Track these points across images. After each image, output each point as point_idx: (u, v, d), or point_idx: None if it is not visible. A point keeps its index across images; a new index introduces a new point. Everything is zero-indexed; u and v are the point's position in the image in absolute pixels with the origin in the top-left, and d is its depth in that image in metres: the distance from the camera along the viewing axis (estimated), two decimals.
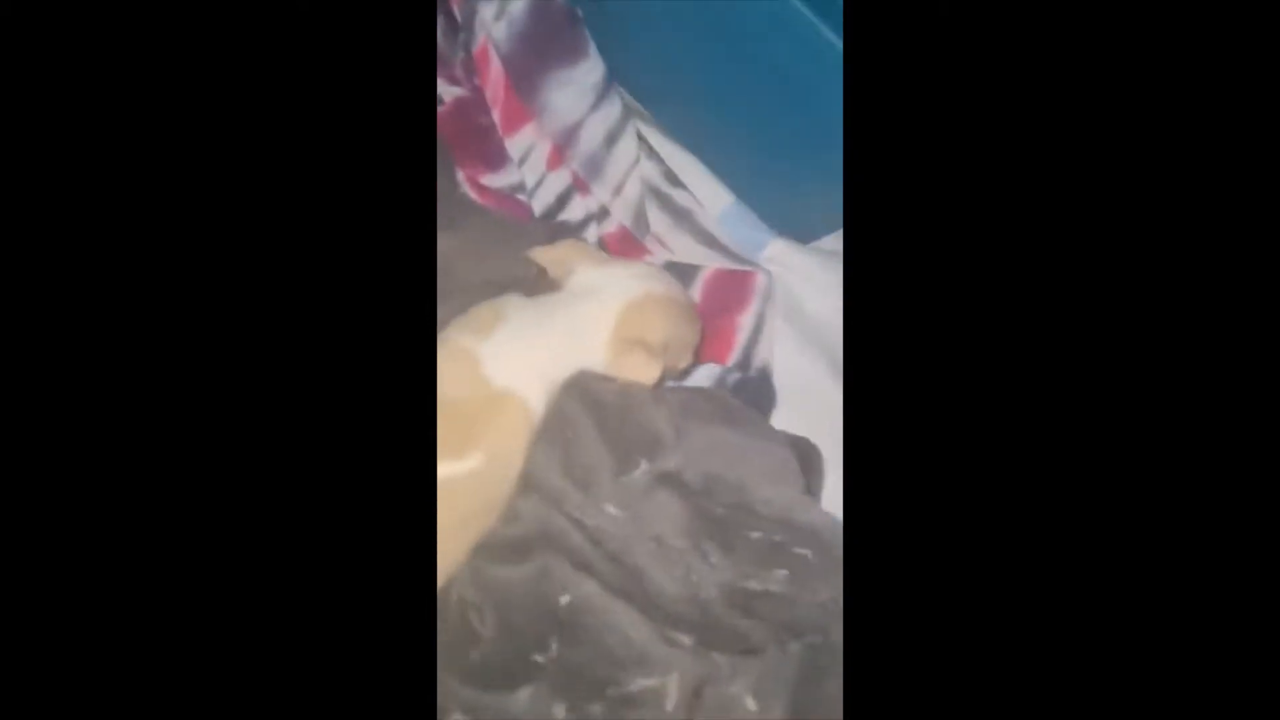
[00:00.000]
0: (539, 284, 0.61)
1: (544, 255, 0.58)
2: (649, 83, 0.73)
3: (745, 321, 0.70)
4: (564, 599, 0.43)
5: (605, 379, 0.50)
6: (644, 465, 0.47)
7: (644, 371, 0.51)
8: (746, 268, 0.71)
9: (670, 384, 0.60)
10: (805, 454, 0.49)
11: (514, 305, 0.55)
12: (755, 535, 0.45)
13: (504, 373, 0.51)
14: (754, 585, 0.44)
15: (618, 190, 0.72)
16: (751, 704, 0.40)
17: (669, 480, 0.47)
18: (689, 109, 0.72)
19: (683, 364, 0.60)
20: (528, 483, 0.47)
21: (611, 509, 0.46)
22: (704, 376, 0.66)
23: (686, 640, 0.43)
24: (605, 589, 0.44)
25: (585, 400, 0.49)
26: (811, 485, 0.48)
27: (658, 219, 0.73)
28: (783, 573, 0.44)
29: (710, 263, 0.71)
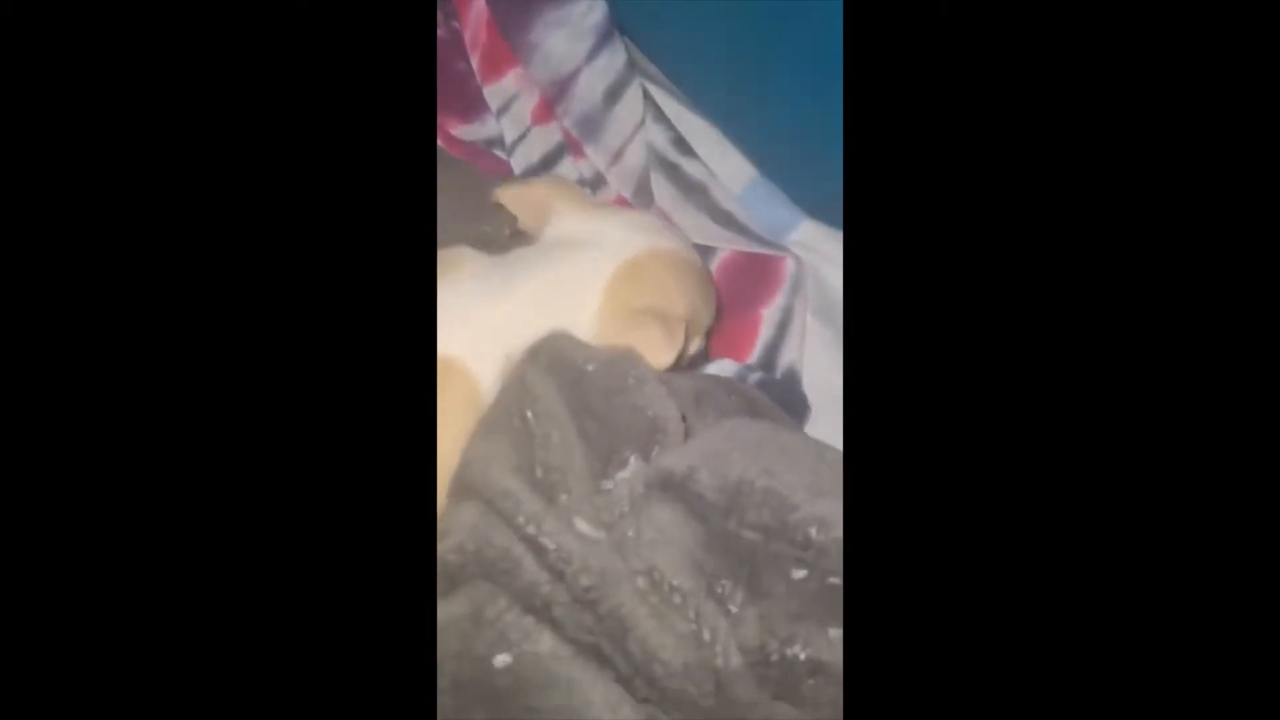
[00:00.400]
0: (510, 243, 0.47)
1: (515, 197, 0.45)
2: (659, 32, 0.64)
3: (769, 315, 0.61)
4: (503, 658, 0.28)
5: (586, 345, 0.35)
6: (635, 464, 0.32)
7: (659, 352, 0.38)
8: (772, 251, 0.60)
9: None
10: None
11: (467, 258, 0.42)
12: (800, 574, 0.30)
13: (444, 335, 0.37)
14: (798, 651, 0.28)
15: (617, 156, 0.62)
16: None
17: (673, 487, 0.32)
18: (707, 66, 0.63)
19: (692, 348, 0.46)
20: (464, 484, 0.32)
21: (585, 527, 0.31)
22: (717, 373, 0.52)
23: None
24: (569, 647, 0.29)
25: (556, 371, 0.34)
26: None
27: (664, 192, 0.63)
28: (842, 633, 0.29)
29: (727, 245, 0.60)
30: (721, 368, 0.53)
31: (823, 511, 0.29)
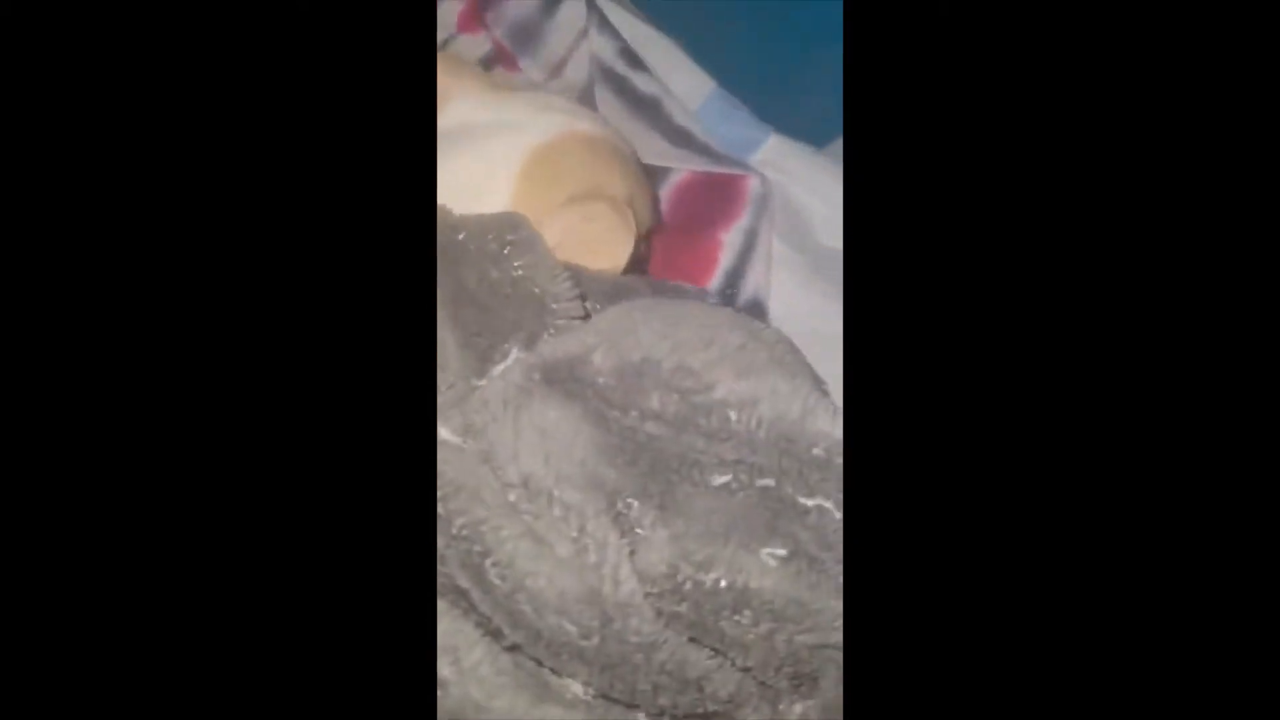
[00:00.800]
0: None
1: None
2: None
3: (730, 239, 0.55)
4: None
5: (458, 215, 0.28)
6: (516, 354, 0.25)
7: (615, 243, 0.31)
8: (733, 170, 0.54)
9: None
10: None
11: None
12: (722, 479, 0.22)
13: None
14: (719, 577, 0.21)
15: (557, 69, 0.57)
16: None
17: (560, 379, 0.24)
18: None
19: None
20: None
21: (445, 433, 0.24)
22: None
23: (578, 689, 0.20)
24: None
25: None
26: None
27: (611, 109, 0.58)
28: (777, 553, 0.21)
29: (683, 165, 0.54)
30: None
31: (746, 391, 0.22)
